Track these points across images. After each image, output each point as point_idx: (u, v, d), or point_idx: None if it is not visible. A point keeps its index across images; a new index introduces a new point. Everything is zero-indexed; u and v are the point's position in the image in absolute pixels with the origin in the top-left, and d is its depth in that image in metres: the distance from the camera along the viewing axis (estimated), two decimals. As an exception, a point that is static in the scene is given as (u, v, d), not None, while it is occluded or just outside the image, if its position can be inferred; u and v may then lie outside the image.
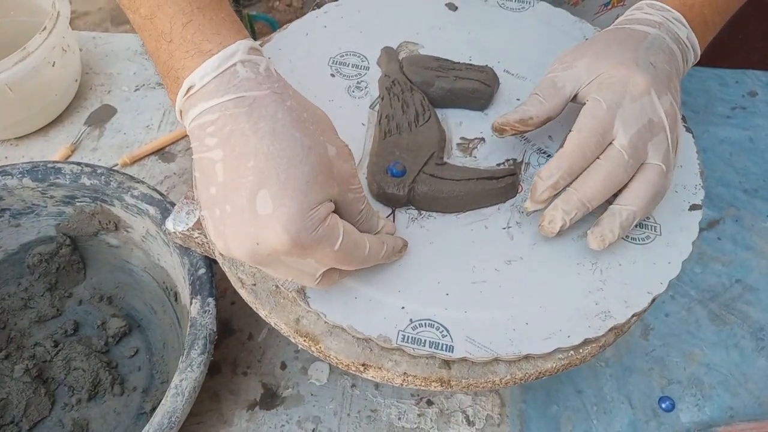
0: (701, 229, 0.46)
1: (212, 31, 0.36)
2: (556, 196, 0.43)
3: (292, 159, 0.34)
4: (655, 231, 0.46)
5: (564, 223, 0.42)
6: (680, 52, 0.47)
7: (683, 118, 0.52)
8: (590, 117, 0.42)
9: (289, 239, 0.34)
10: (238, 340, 0.59)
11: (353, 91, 0.53)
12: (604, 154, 0.42)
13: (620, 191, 0.43)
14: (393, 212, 0.46)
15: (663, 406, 0.57)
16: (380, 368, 0.40)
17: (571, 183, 0.42)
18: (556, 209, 0.42)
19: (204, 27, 0.36)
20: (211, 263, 0.51)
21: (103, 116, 0.75)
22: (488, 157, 0.49)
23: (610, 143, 0.42)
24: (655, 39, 0.46)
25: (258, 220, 0.34)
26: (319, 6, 0.59)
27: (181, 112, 0.37)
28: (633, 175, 0.43)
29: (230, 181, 0.34)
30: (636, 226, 0.46)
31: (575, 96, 0.45)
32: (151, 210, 0.53)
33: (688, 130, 0.52)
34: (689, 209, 0.47)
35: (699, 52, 0.49)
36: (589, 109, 0.43)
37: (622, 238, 0.45)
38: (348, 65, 0.54)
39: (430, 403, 0.55)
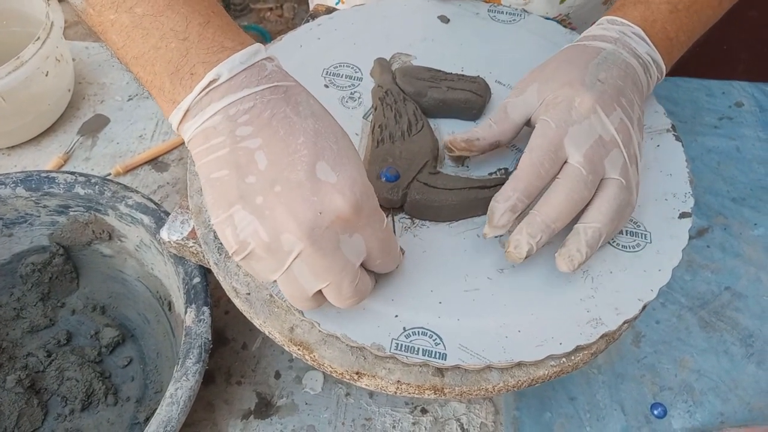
0: (690, 237, 0.47)
1: (232, 32, 0.36)
2: (518, 220, 0.42)
3: (337, 134, 0.36)
4: (645, 239, 0.46)
5: (530, 247, 0.41)
6: (641, 67, 0.47)
7: (673, 127, 0.53)
8: (540, 136, 0.42)
9: (355, 201, 0.34)
10: (232, 350, 0.59)
11: (347, 102, 0.53)
12: (561, 172, 0.42)
13: (584, 210, 0.42)
14: (392, 218, 0.47)
15: (655, 412, 0.58)
16: (374, 376, 0.40)
17: (533, 206, 0.42)
18: (521, 233, 0.41)
19: (223, 28, 0.36)
20: (205, 272, 0.51)
21: (96, 126, 0.75)
22: (480, 167, 0.50)
23: (566, 162, 0.42)
24: (609, 54, 0.46)
25: (321, 188, 0.34)
26: (313, 18, 0.60)
27: (186, 112, 0.35)
28: (595, 193, 0.42)
29: (279, 161, 0.34)
30: (626, 233, 0.46)
31: (529, 121, 0.46)
32: (146, 219, 0.53)
33: (677, 138, 0.53)
34: (679, 217, 0.48)
35: (664, 68, 0.49)
36: (539, 130, 0.43)
37: (611, 245, 0.46)
38: (341, 76, 0.55)
39: (424, 411, 0.55)
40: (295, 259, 0.35)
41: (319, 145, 0.35)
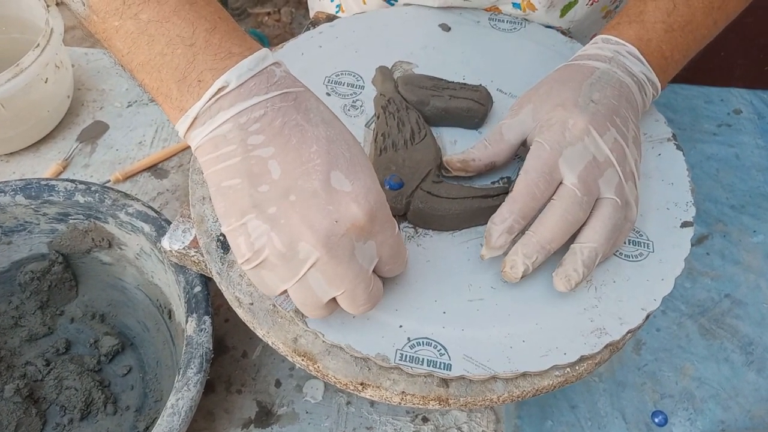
0: (691, 245, 0.47)
1: (238, 38, 0.36)
2: (514, 241, 0.42)
3: (349, 141, 0.36)
4: (648, 248, 0.46)
5: (526, 267, 0.41)
6: (635, 85, 0.47)
7: (674, 136, 0.53)
8: (534, 158, 0.43)
9: (370, 209, 0.35)
10: (232, 358, 0.59)
11: (349, 110, 0.53)
12: (556, 194, 0.42)
13: (581, 230, 0.43)
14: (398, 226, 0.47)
15: (656, 420, 0.58)
16: (378, 387, 0.40)
17: (528, 226, 0.42)
18: (517, 254, 0.41)
19: (230, 33, 0.36)
20: (206, 281, 0.51)
21: (95, 132, 0.75)
22: (482, 175, 0.50)
23: (561, 183, 0.42)
24: (603, 74, 0.46)
25: (337, 197, 0.34)
26: (314, 25, 0.60)
27: (194, 120, 0.35)
28: (591, 213, 0.42)
29: (293, 170, 0.34)
30: (629, 243, 0.46)
31: (525, 142, 0.46)
32: (146, 227, 0.53)
33: (678, 147, 0.53)
34: (681, 226, 0.48)
35: (659, 86, 0.49)
36: (534, 151, 0.43)
37: (615, 255, 0.46)
38: (343, 84, 0.55)
39: (425, 420, 0.55)
40: (310, 267, 0.35)
41: (332, 154, 0.35)
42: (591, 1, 0.63)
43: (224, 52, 0.35)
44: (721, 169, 0.77)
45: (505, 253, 0.43)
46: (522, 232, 0.42)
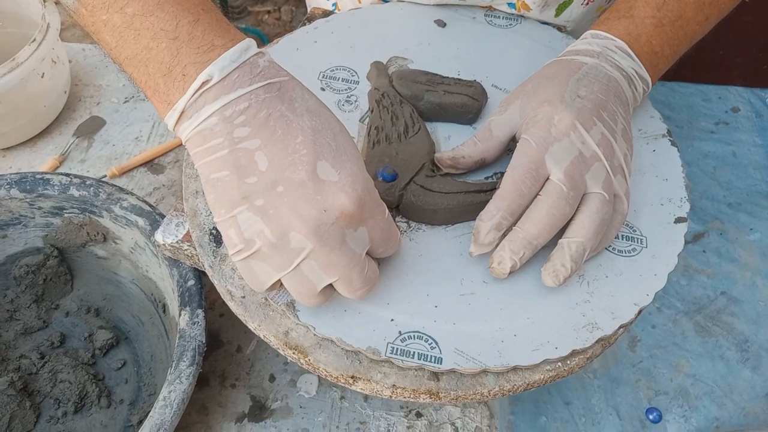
0: (687, 242, 0.47)
1: (222, 29, 0.36)
2: (502, 237, 0.42)
3: (335, 129, 0.36)
4: (641, 243, 0.46)
5: (514, 263, 0.42)
6: (624, 79, 0.47)
7: (669, 132, 0.53)
8: (521, 155, 0.43)
9: (357, 197, 0.35)
10: (226, 353, 0.59)
11: (343, 105, 0.53)
12: (543, 190, 0.42)
13: (568, 225, 0.42)
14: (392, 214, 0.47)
15: (650, 417, 0.58)
16: (369, 380, 0.40)
17: (516, 222, 0.42)
18: (504, 250, 0.42)
19: (213, 25, 0.36)
20: (200, 275, 0.51)
21: (91, 128, 0.75)
22: (476, 171, 0.50)
23: (548, 179, 0.42)
24: (590, 69, 0.46)
25: (324, 187, 0.34)
26: (309, 21, 0.60)
27: (182, 113, 0.35)
28: (578, 208, 0.42)
29: (279, 161, 0.34)
30: (622, 238, 0.46)
31: (514, 138, 0.46)
32: (141, 221, 0.53)
33: (673, 143, 0.53)
34: (675, 222, 0.48)
35: (650, 81, 0.49)
36: (520, 148, 0.43)
37: (607, 250, 0.46)
38: (338, 79, 0.55)
39: (419, 415, 0.55)
40: (304, 258, 0.35)
41: (318, 143, 0.35)
42: (586, 1, 0.63)
43: (207, 44, 0.35)
44: (718, 167, 0.76)
45: (494, 250, 0.43)
46: (511, 228, 0.42)
